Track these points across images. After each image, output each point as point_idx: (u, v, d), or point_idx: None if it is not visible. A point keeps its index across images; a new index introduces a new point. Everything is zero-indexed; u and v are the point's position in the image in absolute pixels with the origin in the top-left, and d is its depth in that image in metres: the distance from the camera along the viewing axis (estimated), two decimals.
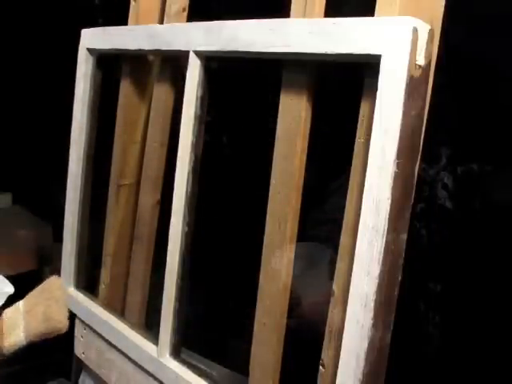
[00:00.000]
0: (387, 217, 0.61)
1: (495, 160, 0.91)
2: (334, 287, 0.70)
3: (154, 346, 0.95)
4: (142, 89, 1.09)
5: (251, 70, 1.06)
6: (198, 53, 0.86)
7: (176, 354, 0.93)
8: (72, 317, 1.16)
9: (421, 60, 0.61)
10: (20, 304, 0.80)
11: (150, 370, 0.95)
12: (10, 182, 2.39)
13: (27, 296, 0.80)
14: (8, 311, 0.78)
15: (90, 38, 1.09)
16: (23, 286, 0.96)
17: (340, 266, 0.69)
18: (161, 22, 1.01)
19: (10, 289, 0.81)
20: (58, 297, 0.80)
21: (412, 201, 0.66)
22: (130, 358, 1.00)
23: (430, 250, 0.98)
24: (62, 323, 0.78)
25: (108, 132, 1.11)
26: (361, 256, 0.63)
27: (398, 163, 0.60)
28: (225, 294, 1.32)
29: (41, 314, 0.76)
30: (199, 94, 0.88)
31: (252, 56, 0.78)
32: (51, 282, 0.83)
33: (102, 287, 1.15)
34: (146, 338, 0.99)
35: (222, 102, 1.10)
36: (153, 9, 1.03)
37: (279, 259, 0.77)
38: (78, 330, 1.16)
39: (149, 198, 1.02)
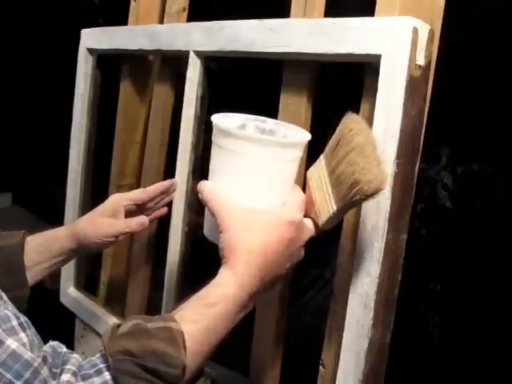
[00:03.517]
0: (387, 217, 0.61)
1: (495, 160, 0.91)
2: (334, 287, 0.70)
3: None
4: (142, 88, 1.09)
5: (251, 70, 1.06)
6: (198, 53, 0.86)
7: None
8: (72, 317, 1.16)
9: (421, 60, 0.61)
10: (322, 165, 0.60)
11: None
12: (10, 182, 2.39)
13: (324, 154, 0.60)
14: (312, 176, 0.60)
15: (89, 38, 1.09)
16: None
17: (340, 265, 0.69)
18: (161, 21, 1.01)
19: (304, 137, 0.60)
20: (360, 144, 0.54)
21: (412, 201, 0.66)
22: None
23: (430, 249, 0.98)
24: (374, 181, 0.52)
25: (108, 132, 1.12)
26: (361, 256, 0.63)
27: (397, 163, 0.60)
28: None
29: (345, 177, 0.55)
30: (199, 94, 0.88)
31: (252, 56, 0.78)
32: (345, 126, 0.57)
33: (102, 287, 1.15)
34: None
35: (221, 102, 1.10)
36: (153, 9, 1.04)
37: None
38: (78, 330, 1.16)
39: None
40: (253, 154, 0.54)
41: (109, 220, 0.77)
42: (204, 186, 0.58)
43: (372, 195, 0.54)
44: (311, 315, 0.71)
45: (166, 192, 0.84)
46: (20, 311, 0.50)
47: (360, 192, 0.53)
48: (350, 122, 0.57)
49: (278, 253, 0.54)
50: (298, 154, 0.58)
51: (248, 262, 0.53)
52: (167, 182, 0.84)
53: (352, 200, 0.55)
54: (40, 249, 0.76)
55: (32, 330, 0.48)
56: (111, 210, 0.78)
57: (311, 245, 0.60)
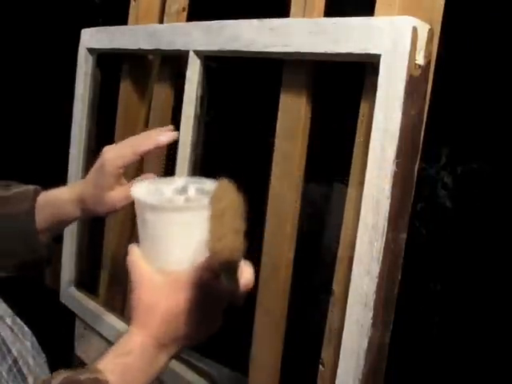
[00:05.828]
0: (387, 216, 0.61)
1: (495, 159, 0.91)
2: (334, 286, 0.70)
3: None
4: (142, 88, 1.09)
5: (251, 70, 1.06)
6: (197, 52, 0.86)
7: None
8: (72, 317, 1.17)
9: (420, 59, 0.61)
10: None
11: None
12: (10, 182, 2.39)
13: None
14: None
15: (89, 38, 1.09)
16: (24, 286, 0.95)
17: (340, 265, 0.69)
18: (161, 21, 1.01)
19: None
20: (220, 213, 0.54)
21: (412, 200, 0.66)
22: None
23: (429, 249, 0.98)
24: (224, 250, 0.52)
25: (108, 132, 1.12)
26: (361, 255, 0.63)
27: (397, 163, 0.60)
28: None
29: (206, 243, 0.54)
30: (199, 94, 0.88)
31: (252, 56, 0.78)
32: (212, 195, 0.56)
33: (102, 287, 1.15)
34: None
35: (221, 102, 1.10)
36: (153, 8, 1.04)
37: (279, 259, 0.77)
38: (78, 330, 1.17)
39: None
40: (157, 219, 0.58)
41: (114, 193, 0.75)
42: (129, 249, 0.60)
43: (227, 264, 0.52)
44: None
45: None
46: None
47: (215, 259, 0.52)
48: (217, 190, 0.56)
49: (180, 313, 0.55)
50: (203, 216, 0.56)
51: (144, 323, 0.55)
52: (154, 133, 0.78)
53: (215, 266, 0.54)
54: (49, 217, 0.76)
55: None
56: (113, 180, 0.75)
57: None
